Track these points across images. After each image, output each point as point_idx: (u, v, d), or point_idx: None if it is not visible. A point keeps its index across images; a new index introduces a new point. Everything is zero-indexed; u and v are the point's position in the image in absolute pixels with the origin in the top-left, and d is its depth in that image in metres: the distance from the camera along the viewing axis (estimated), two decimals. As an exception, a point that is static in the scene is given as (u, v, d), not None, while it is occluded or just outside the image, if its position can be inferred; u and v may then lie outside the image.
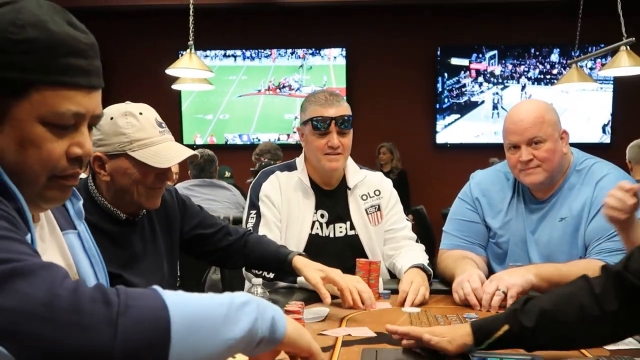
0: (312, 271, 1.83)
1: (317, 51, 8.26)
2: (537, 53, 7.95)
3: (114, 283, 1.38)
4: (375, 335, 1.67)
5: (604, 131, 7.88)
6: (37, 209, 1.15)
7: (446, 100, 8.11)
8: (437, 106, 8.11)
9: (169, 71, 5.23)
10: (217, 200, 4.50)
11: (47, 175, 1.07)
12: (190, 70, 5.16)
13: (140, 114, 1.78)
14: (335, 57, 8.24)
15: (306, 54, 8.30)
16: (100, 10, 7.77)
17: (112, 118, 1.77)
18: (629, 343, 1.59)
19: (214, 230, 2.07)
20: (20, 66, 1.01)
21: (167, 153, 1.76)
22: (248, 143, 8.19)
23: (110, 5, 7.70)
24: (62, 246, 1.23)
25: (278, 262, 1.98)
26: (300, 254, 1.97)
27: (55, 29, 1.03)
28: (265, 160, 5.11)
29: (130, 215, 1.87)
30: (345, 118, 2.32)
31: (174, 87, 6.09)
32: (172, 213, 2.00)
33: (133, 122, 1.76)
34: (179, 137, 8.10)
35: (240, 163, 6.48)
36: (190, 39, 5.09)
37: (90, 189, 1.83)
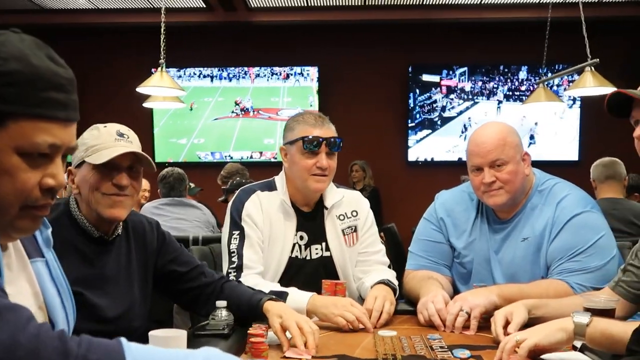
0: (274, 317, 1.79)
1: (300, 72, 8.25)
2: (506, 70, 8.08)
3: (75, 301, 1.38)
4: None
5: (572, 149, 8.01)
6: (6, 239, 1.15)
7: (418, 116, 8.19)
8: (409, 122, 8.19)
9: (140, 89, 5.22)
10: (187, 219, 4.47)
11: (20, 205, 1.07)
12: (162, 89, 5.15)
13: (105, 127, 1.85)
14: (319, 78, 8.22)
15: (288, 74, 8.27)
16: (72, 28, 7.74)
17: (82, 135, 1.85)
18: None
19: (188, 269, 2.04)
20: (1, 98, 1.02)
21: (109, 153, 1.78)
22: (221, 161, 8.16)
23: (83, 22, 7.68)
24: (30, 275, 1.23)
25: (251, 309, 1.91)
26: (271, 299, 1.92)
27: (37, 63, 1.05)
28: (237, 179, 5.11)
29: (104, 234, 1.87)
30: (335, 140, 2.33)
31: (146, 105, 6.07)
32: (150, 244, 2.00)
33: (94, 134, 1.84)
34: (150, 156, 8.03)
35: (212, 181, 6.46)
36: (162, 57, 5.09)
37: (71, 204, 1.87)
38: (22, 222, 1.10)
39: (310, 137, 2.29)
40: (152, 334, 1.38)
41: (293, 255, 2.37)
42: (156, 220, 2.09)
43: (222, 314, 1.88)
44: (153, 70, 5.69)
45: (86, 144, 1.82)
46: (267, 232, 2.35)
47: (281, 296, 2.09)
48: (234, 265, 2.26)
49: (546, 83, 5.84)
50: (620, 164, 4.14)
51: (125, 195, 1.82)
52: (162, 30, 5.21)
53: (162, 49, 5.14)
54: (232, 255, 2.29)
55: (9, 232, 1.12)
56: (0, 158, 1.04)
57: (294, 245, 2.37)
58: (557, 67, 7.28)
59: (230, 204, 2.42)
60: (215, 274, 2.08)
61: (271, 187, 2.43)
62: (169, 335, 1.38)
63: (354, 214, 2.47)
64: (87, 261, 1.82)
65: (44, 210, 1.11)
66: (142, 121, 7.81)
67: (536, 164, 2.37)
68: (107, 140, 1.81)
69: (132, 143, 1.85)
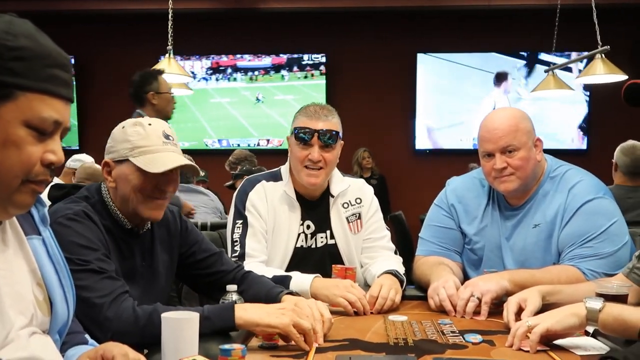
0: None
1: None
2: (515, 59, 8.03)
3: None
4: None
5: (579, 137, 7.98)
6: (3, 215, 1.17)
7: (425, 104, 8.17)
8: (416, 110, 8.17)
9: (147, 76, 5.20)
10: (195, 205, 4.48)
11: (22, 178, 1.11)
12: (169, 75, 5.14)
13: (150, 124, 1.83)
14: (326, 66, 8.18)
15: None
16: (79, 15, 7.72)
17: (123, 127, 1.83)
18: (599, 349, 1.61)
19: (209, 254, 2.06)
20: (12, 71, 1.08)
21: (163, 160, 1.78)
22: (228, 148, 8.15)
23: (89, 9, 7.66)
24: (27, 251, 1.24)
25: (269, 301, 1.86)
26: (290, 293, 1.94)
27: (44, 42, 1.12)
28: (246, 166, 5.11)
29: (135, 226, 1.89)
30: (332, 133, 2.30)
31: (153, 91, 6.07)
32: (174, 233, 2.02)
33: (139, 131, 1.81)
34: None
35: (218, 169, 6.47)
36: (169, 44, 5.07)
37: (103, 193, 1.86)
38: (21, 196, 1.13)
39: (301, 127, 2.30)
40: (165, 315, 1.38)
41: (298, 245, 2.38)
42: (177, 207, 2.10)
43: (232, 297, 1.87)
44: (161, 57, 5.68)
45: (131, 141, 1.79)
46: (271, 222, 2.36)
47: (284, 280, 2.12)
48: (236, 254, 2.28)
49: (555, 72, 5.80)
50: None
51: (165, 198, 1.85)
52: (169, 16, 5.19)
53: (169, 36, 5.13)
54: (235, 244, 2.31)
55: (7, 207, 1.15)
56: (9, 130, 1.09)
57: (299, 235, 2.38)
58: (566, 57, 7.23)
59: (235, 194, 2.43)
60: (233, 263, 2.10)
61: (276, 177, 2.44)
62: (182, 317, 1.38)
63: (358, 201, 2.47)
64: (120, 252, 1.83)
65: (43, 186, 1.15)
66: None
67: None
68: (155, 142, 1.80)
69: (176, 146, 1.86)
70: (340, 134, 2.36)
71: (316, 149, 2.28)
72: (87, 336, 1.42)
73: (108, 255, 1.74)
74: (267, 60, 8.31)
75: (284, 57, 8.28)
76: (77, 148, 7.77)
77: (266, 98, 8.34)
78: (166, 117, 4.37)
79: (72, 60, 8.13)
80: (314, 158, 2.28)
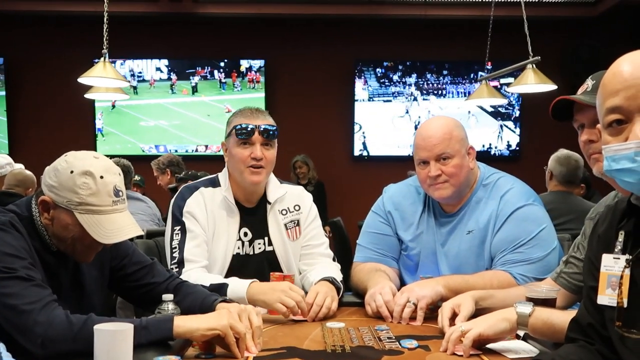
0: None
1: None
2: (449, 68, 8.21)
3: None
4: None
5: (512, 144, 8.21)
6: None
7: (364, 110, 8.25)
8: (354, 117, 8.24)
9: (82, 80, 5.08)
10: (132, 212, 4.35)
11: None
12: (105, 80, 5.03)
13: (101, 177, 1.74)
14: (265, 72, 8.16)
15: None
16: (10, 15, 7.49)
17: (72, 172, 1.73)
18: (530, 352, 1.67)
19: (139, 267, 2.02)
20: None
21: (110, 227, 1.73)
22: (165, 153, 8.02)
23: (22, 10, 7.43)
24: None
25: (203, 311, 1.85)
26: (224, 300, 1.92)
27: None
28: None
29: (62, 250, 1.83)
30: (271, 129, 2.30)
31: (88, 96, 5.93)
32: (103, 248, 1.93)
33: (89, 184, 1.72)
34: (92, 149, 7.85)
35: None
36: (104, 47, 4.96)
37: (33, 211, 1.79)
38: None
39: (244, 124, 2.29)
40: (98, 327, 1.35)
41: (235, 253, 2.36)
42: None
43: (168, 307, 1.85)
44: (96, 60, 5.56)
45: (79, 195, 1.71)
46: (211, 229, 2.34)
47: (221, 288, 2.10)
48: (175, 260, 2.25)
49: (488, 81, 5.96)
50: (580, 168, 4.12)
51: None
52: (105, 19, 5.08)
53: (104, 39, 5.01)
54: (174, 250, 2.27)
55: None
56: None
57: (236, 242, 2.36)
58: (499, 67, 7.43)
59: (172, 201, 2.40)
60: (166, 273, 2.06)
61: (215, 183, 2.42)
62: (115, 329, 1.35)
63: (297, 208, 2.47)
64: (46, 271, 1.77)
65: None
66: (82, 110, 7.64)
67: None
68: (105, 201, 1.73)
69: (125, 201, 1.80)
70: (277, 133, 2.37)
71: (258, 146, 2.28)
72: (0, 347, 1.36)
73: (34, 265, 1.69)
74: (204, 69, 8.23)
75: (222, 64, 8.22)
76: (7, 153, 7.52)
77: (206, 106, 8.26)
78: None
79: (1, 61, 7.89)
80: (257, 156, 2.27)
